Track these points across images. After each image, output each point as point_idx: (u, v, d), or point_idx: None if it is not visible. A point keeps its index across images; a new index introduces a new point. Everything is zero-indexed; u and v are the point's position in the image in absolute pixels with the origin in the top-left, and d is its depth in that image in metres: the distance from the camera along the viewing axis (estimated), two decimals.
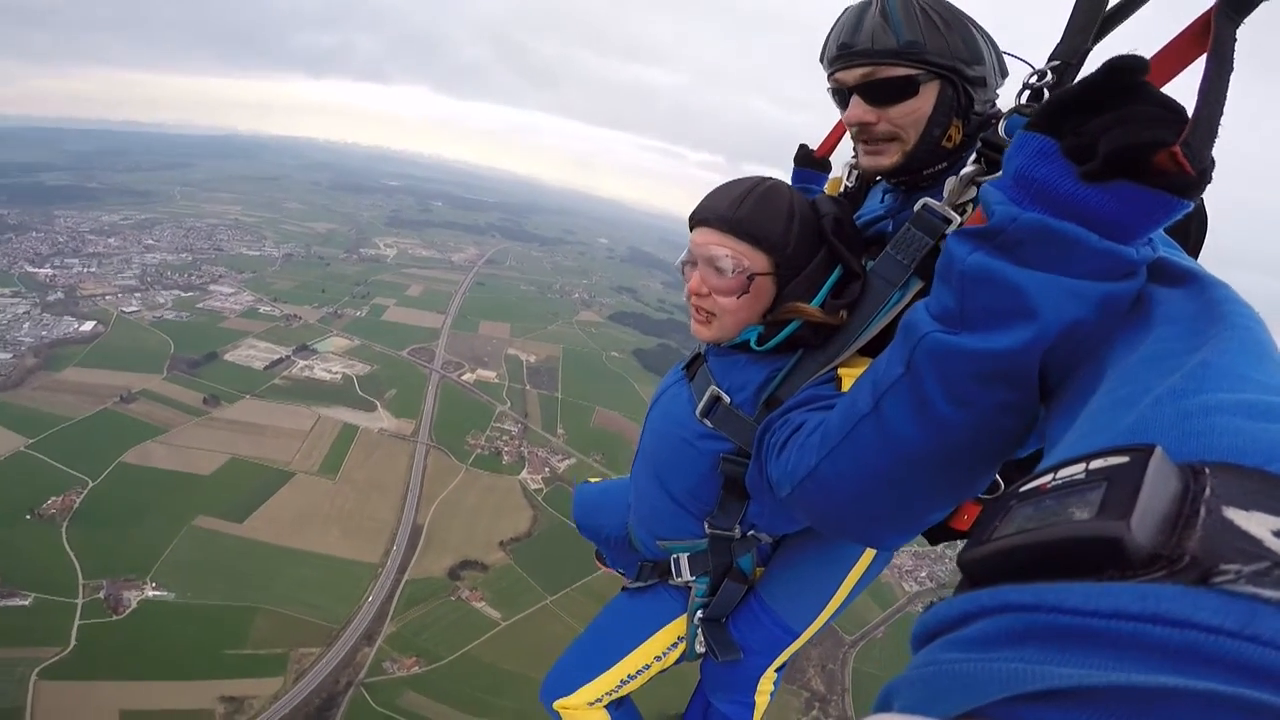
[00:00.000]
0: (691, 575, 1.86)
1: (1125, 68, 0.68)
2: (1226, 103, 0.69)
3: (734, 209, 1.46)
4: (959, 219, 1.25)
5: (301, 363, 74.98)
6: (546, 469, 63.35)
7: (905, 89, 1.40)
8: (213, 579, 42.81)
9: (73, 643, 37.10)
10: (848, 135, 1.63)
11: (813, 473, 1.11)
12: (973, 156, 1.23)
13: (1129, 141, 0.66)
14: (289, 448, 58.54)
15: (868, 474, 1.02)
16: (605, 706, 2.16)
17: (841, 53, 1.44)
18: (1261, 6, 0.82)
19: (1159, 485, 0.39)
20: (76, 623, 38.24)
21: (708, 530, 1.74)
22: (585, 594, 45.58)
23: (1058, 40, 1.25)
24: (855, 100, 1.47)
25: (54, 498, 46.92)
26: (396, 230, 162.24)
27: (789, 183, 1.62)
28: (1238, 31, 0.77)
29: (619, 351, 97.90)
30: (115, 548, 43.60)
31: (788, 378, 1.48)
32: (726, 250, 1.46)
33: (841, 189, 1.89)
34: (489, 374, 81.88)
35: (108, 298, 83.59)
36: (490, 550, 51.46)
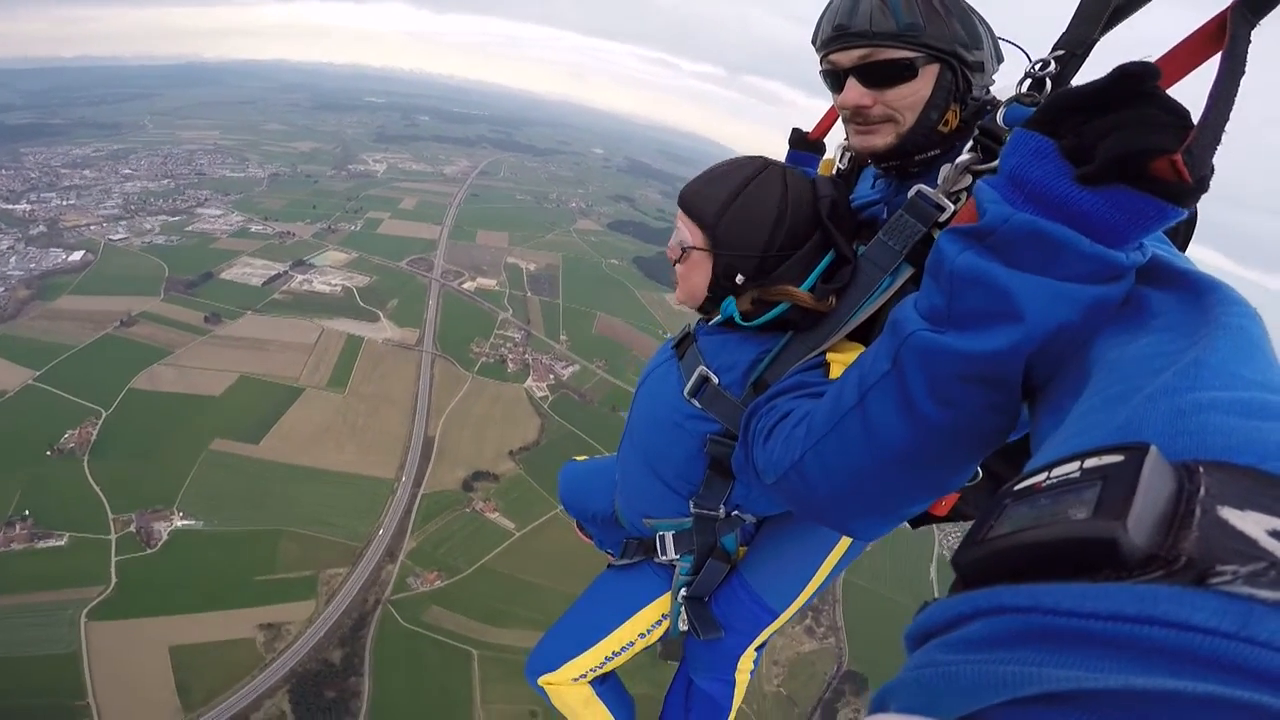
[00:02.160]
0: (676, 553, 1.86)
1: (1135, 74, 0.67)
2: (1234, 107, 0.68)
3: (716, 219, 1.46)
4: (953, 207, 1.25)
5: (300, 277, 73.69)
6: (551, 376, 63.16)
7: (904, 71, 1.36)
8: (236, 504, 43.22)
9: (114, 580, 37.73)
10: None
11: (797, 465, 1.11)
12: (969, 144, 1.24)
13: (1131, 147, 0.65)
14: (296, 362, 58.16)
15: (851, 468, 1.02)
16: (590, 682, 2.20)
17: (838, 34, 1.38)
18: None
19: (1154, 485, 0.39)
20: (114, 559, 38.74)
21: (693, 510, 1.74)
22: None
23: (1063, 29, 1.25)
24: (851, 82, 1.41)
25: (71, 430, 46.77)
26: (384, 146, 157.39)
27: (785, 165, 1.52)
28: (1252, 33, 0.76)
29: (618, 259, 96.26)
30: (138, 478, 43.80)
31: (776, 360, 1.47)
32: (705, 254, 1.51)
33: (834, 170, 1.83)
34: (489, 282, 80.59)
35: (92, 227, 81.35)
36: (501, 460, 51.86)
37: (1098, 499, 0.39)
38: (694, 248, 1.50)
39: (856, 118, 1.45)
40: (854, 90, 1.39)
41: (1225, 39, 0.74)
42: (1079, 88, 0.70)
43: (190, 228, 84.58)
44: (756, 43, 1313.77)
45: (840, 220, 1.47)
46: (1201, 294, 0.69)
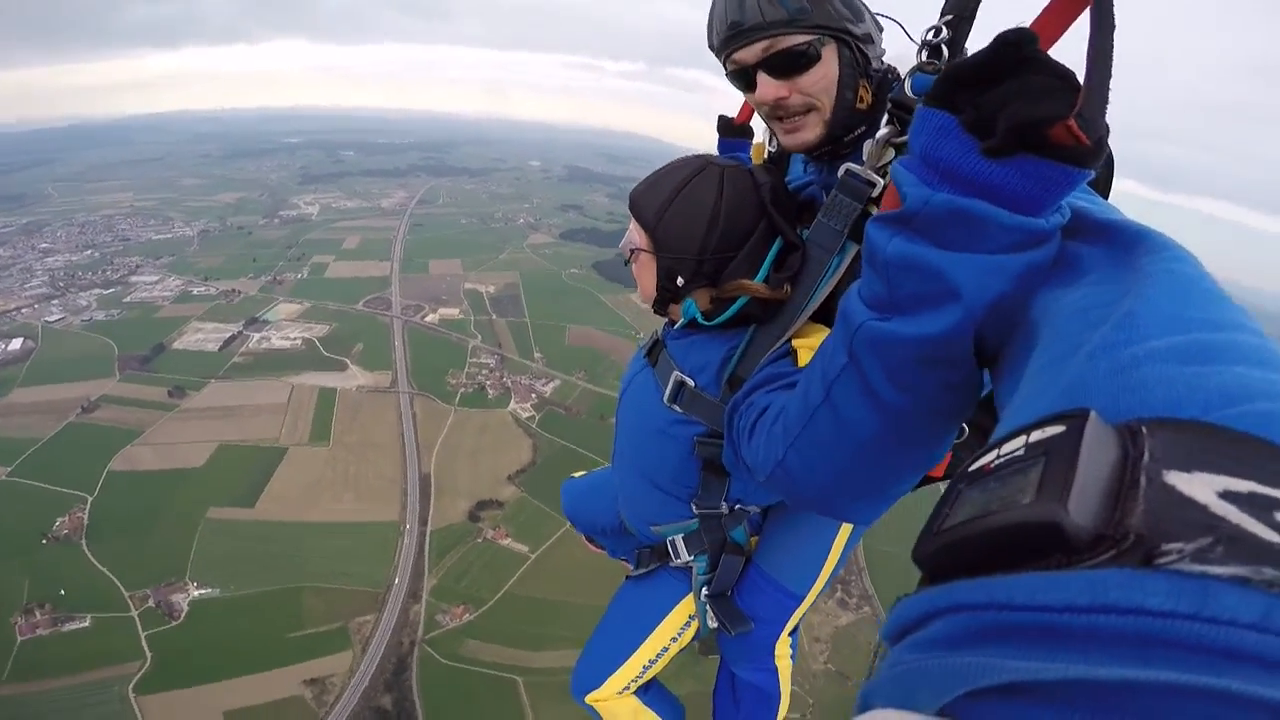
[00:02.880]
0: (689, 555, 1.89)
1: (1013, 41, 0.69)
2: (1114, 62, 0.68)
3: (656, 220, 1.52)
4: (882, 182, 1.27)
5: (256, 335, 71.97)
6: (534, 395, 63.72)
7: (808, 55, 1.38)
8: (247, 567, 42.74)
9: (148, 654, 37.37)
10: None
11: (781, 463, 1.14)
12: (885, 118, 1.26)
13: (1025, 117, 0.67)
14: (273, 423, 57.11)
15: (832, 460, 1.05)
16: (634, 693, 2.22)
17: (733, 32, 1.40)
18: None
19: (1095, 456, 0.38)
20: (143, 634, 38.41)
21: (696, 510, 1.78)
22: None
23: None
24: (763, 78, 1.43)
25: (61, 518, 45.47)
26: (313, 186, 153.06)
27: (725, 163, 1.57)
28: None
29: (577, 268, 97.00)
30: (143, 556, 42.99)
31: (745, 354, 1.52)
32: (649, 254, 1.57)
33: (765, 155, 1.87)
34: (452, 311, 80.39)
35: (24, 310, 77.14)
36: (501, 486, 52.26)
37: (1040, 478, 0.39)
38: (639, 249, 1.59)
39: (777, 113, 1.47)
40: (768, 85, 1.42)
41: None
42: (966, 60, 0.72)
43: (128, 299, 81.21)
44: (672, 34, 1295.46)
45: (781, 206, 1.51)
46: (1130, 244, 0.70)
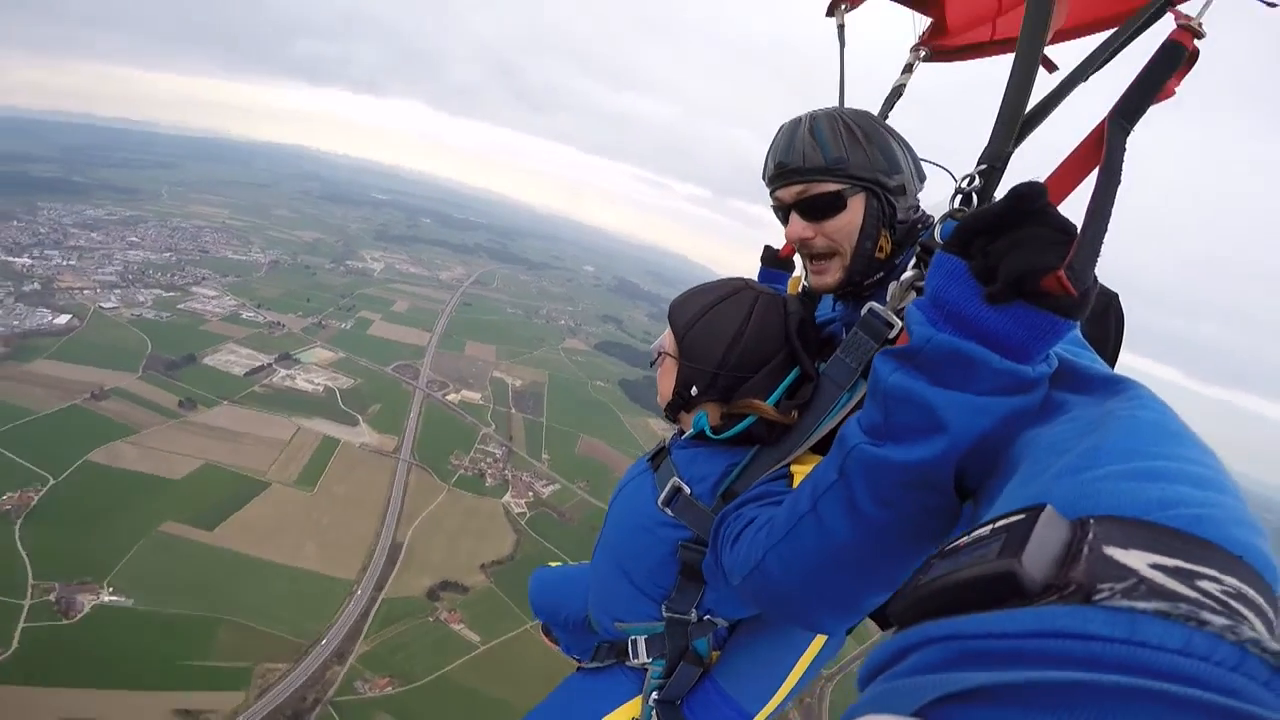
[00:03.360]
0: (648, 657, 1.89)
1: (1025, 195, 0.77)
2: (1112, 216, 0.80)
3: (685, 329, 1.65)
4: (900, 323, 1.31)
5: (283, 371, 73.72)
6: (530, 493, 62.64)
7: (835, 203, 1.52)
8: (177, 586, 41.13)
9: (14, 645, 35.41)
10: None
11: (759, 565, 1.21)
12: (912, 261, 1.32)
13: (1024, 267, 0.74)
14: (266, 456, 57.18)
15: (808, 566, 1.13)
16: None
17: (779, 171, 1.57)
18: None
19: (1048, 531, 0.47)
20: (21, 625, 36.53)
21: (665, 614, 1.80)
22: None
23: (984, 145, 1.34)
24: (794, 217, 1.59)
25: (9, 494, 45.10)
26: (384, 245, 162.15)
27: (762, 289, 1.72)
28: (1127, 140, 0.90)
29: (604, 381, 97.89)
30: (72, 549, 41.76)
31: (744, 472, 1.59)
32: (673, 360, 1.70)
33: (801, 287, 1.97)
34: (474, 395, 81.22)
35: (85, 292, 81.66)
36: (471, 572, 50.45)
37: (1001, 546, 0.48)
38: (665, 353, 1.70)
39: (804, 250, 1.61)
40: (796, 224, 1.57)
41: (1102, 151, 0.83)
42: (982, 210, 0.81)
43: (183, 305, 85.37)
44: (743, 163, 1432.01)
45: (806, 338, 1.61)
46: (1110, 391, 0.79)
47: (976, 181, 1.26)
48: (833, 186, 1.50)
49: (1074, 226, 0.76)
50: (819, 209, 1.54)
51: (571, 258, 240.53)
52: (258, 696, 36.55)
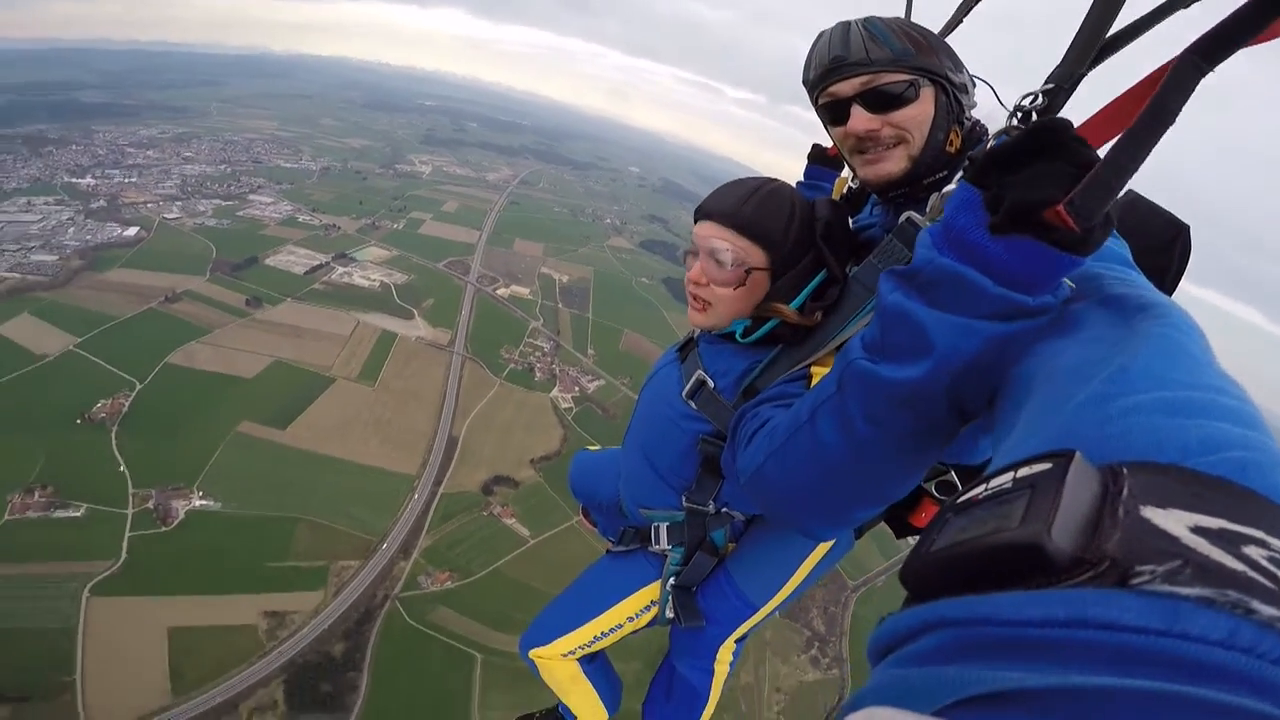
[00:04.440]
0: (668, 544, 1.97)
1: (1049, 128, 0.76)
2: (1149, 154, 0.71)
3: (739, 206, 1.55)
4: None
5: (340, 269, 75.23)
6: (577, 388, 63.24)
7: (907, 93, 1.42)
8: (256, 488, 43.34)
9: (124, 556, 37.44)
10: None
11: (759, 469, 1.23)
12: (958, 175, 1.31)
13: (1022, 199, 0.74)
14: (329, 352, 59.15)
15: (802, 474, 1.14)
16: (578, 660, 2.35)
17: (835, 64, 1.45)
18: None
19: (1079, 489, 0.41)
20: (127, 534, 38.57)
21: (685, 504, 1.86)
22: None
23: (1056, 63, 1.29)
24: (857, 110, 1.46)
25: (103, 401, 47.50)
26: (432, 149, 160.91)
27: (793, 185, 1.70)
28: (1198, 84, 0.77)
29: (648, 278, 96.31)
30: (163, 455, 44.14)
31: (766, 370, 1.57)
32: (728, 244, 1.55)
33: (846, 189, 1.94)
34: (523, 290, 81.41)
35: (149, 205, 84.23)
36: (521, 467, 51.79)
37: (1025, 507, 0.41)
38: (756, 269, 1.55)
39: (865, 144, 1.48)
40: (861, 117, 1.45)
41: (1158, 87, 0.78)
42: (1002, 143, 0.79)
43: (241, 213, 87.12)
44: (798, 73, 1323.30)
45: (835, 242, 1.55)
46: (1135, 310, 0.74)
47: (1040, 100, 1.24)
48: (904, 76, 1.41)
49: (1098, 159, 0.73)
50: (886, 100, 1.43)
51: (618, 159, 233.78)
52: (334, 595, 38.68)
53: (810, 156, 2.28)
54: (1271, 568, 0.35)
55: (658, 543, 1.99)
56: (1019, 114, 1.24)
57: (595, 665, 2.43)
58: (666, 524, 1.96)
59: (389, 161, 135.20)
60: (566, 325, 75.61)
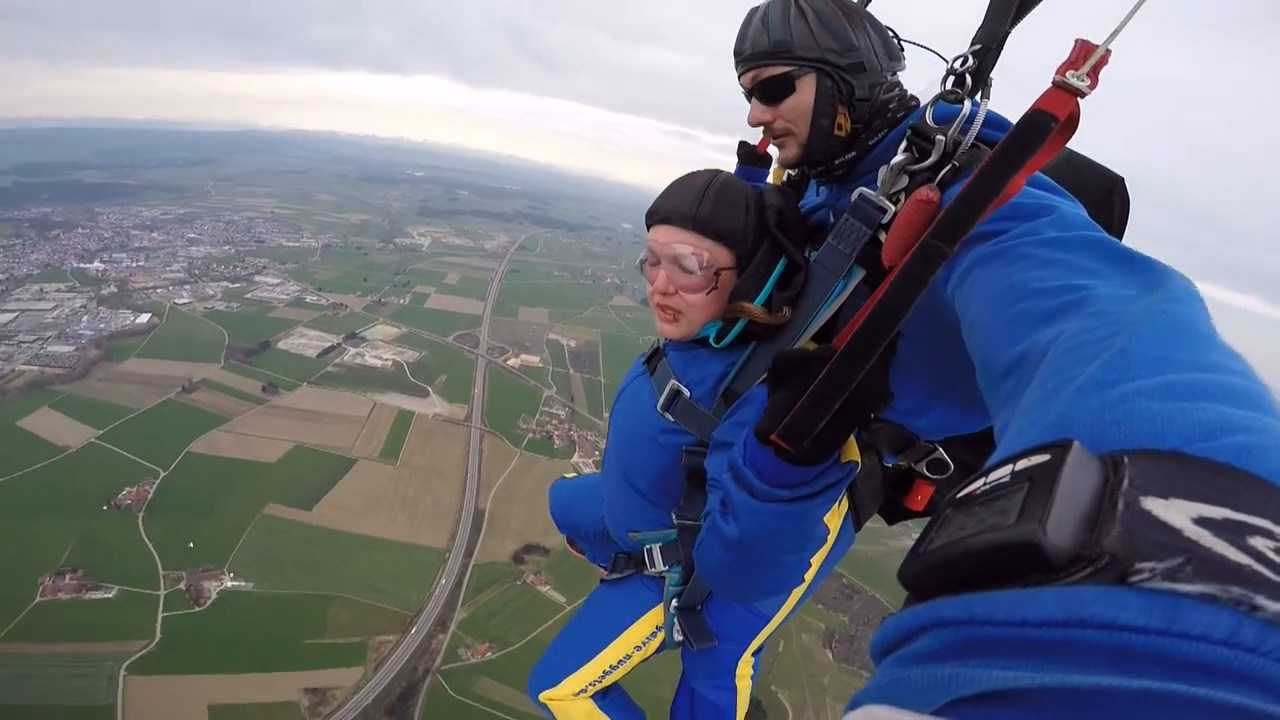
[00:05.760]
0: (665, 565, 1.89)
1: (779, 363, 1.02)
2: (863, 371, 0.87)
3: (695, 205, 1.49)
4: (893, 208, 1.30)
5: (352, 350, 76.06)
6: (597, 452, 63.43)
7: (784, 85, 1.46)
8: (288, 567, 43.67)
9: (158, 635, 37.89)
10: None
11: (699, 561, 1.47)
12: (903, 145, 1.29)
13: (756, 426, 1.02)
14: (349, 434, 59.53)
15: (717, 569, 1.37)
16: (590, 696, 2.19)
17: (736, 59, 1.52)
18: None
19: (1076, 482, 0.40)
20: (160, 615, 39.05)
21: (675, 521, 1.75)
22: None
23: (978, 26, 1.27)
24: (754, 102, 1.54)
25: (129, 488, 48.19)
26: (428, 220, 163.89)
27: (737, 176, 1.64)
28: (937, 269, 0.85)
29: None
30: (191, 538, 44.58)
31: (743, 370, 1.54)
32: (691, 248, 1.50)
33: (785, 178, 1.91)
34: (532, 358, 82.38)
35: (159, 290, 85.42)
36: (551, 534, 51.22)
37: (1022, 503, 0.40)
38: (724, 268, 1.53)
39: (768, 133, 1.59)
40: (755, 108, 1.55)
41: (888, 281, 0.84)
42: (777, 358, 1.04)
43: (249, 295, 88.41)
44: None
45: (789, 229, 1.54)
46: (1133, 276, 0.73)
47: (970, 62, 1.23)
48: (780, 69, 1.45)
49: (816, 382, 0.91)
50: (771, 92, 1.49)
51: (609, 216, 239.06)
52: (375, 670, 38.64)
53: (740, 157, 2.23)
54: (1277, 559, 0.33)
55: (653, 565, 1.91)
56: (951, 78, 1.26)
57: (610, 699, 2.27)
58: (660, 545, 1.88)
59: (388, 235, 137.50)
60: (580, 390, 76.36)
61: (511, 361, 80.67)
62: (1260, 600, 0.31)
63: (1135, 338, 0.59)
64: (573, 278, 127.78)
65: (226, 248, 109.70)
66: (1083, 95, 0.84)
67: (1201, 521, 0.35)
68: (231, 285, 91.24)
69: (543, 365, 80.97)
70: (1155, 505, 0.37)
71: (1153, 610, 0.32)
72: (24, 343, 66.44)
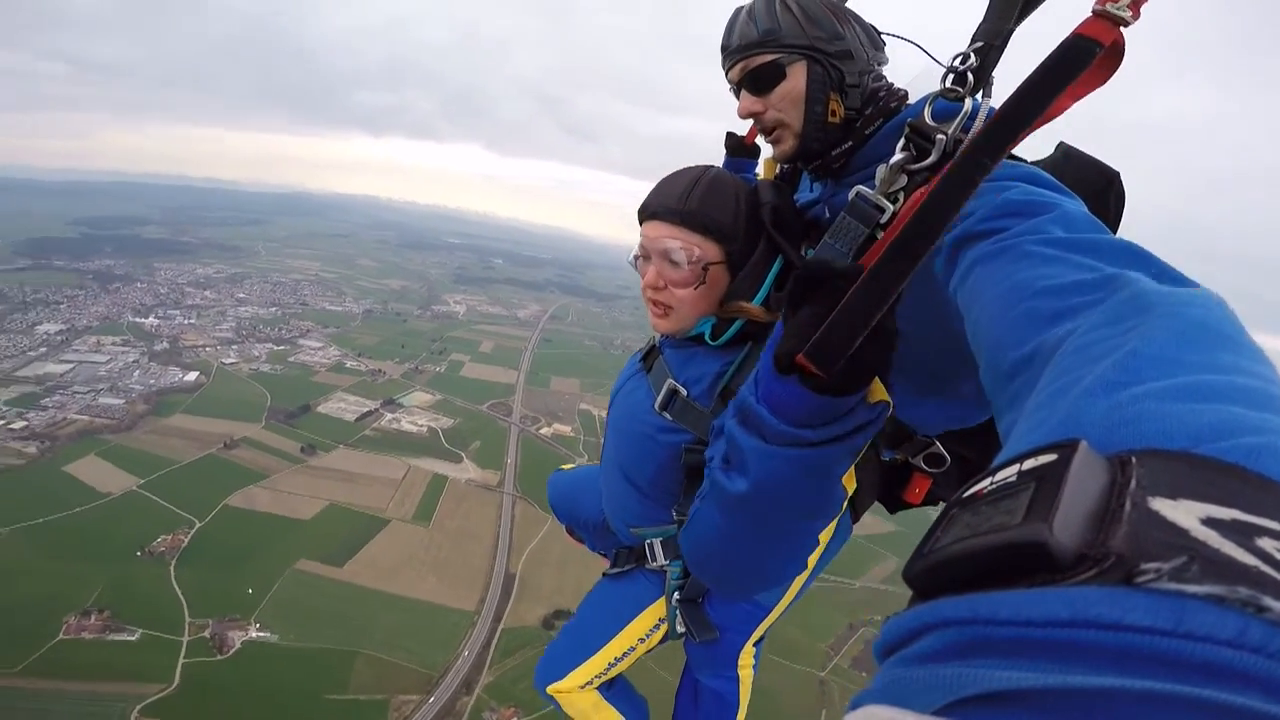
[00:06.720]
0: (665, 559, 1.88)
1: (798, 277, 0.87)
2: (897, 291, 0.77)
3: (683, 200, 1.50)
4: (891, 207, 1.23)
5: (389, 415, 77.37)
6: None
7: (774, 73, 1.47)
8: (314, 622, 43.48)
9: (176, 680, 37.78)
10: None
11: (687, 549, 1.36)
12: (901, 143, 1.25)
13: (775, 350, 0.85)
14: (383, 495, 59.97)
15: (707, 548, 1.29)
16: (596, 689, 2.23)
17: (723, 54, 1.55)
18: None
19: (1083, 482, 0.39)
20: (181, 661, 39.01)
21: (676, 517, 1.75)
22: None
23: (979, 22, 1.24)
24: (743, 94, 1.54)
25: (164, 536, 49.08)
26: (464, 287, 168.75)
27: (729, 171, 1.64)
28: (978, 183, 0.79)
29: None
30: (221, 588, 44.82)
31: (740, 369, 1.53)
32: (679, 242, 1.50)
33: (777, 170, 1.89)
34: (565, 428, 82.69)
35: (208, 349, 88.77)
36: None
37: (1029, 502, 0.39)
38: (713, 263, 1.51)
39: (759, 125, 1.57)
40: (745, 100, 1.53)
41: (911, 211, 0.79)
42: (793, 287, 0.89)
43: (293, 358, 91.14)
44: None
45: (785, 226, 1.52)
46: (1141, 283, 0.70)
47: (971, 60, 1.20)
48: (769, 56, 1.47)
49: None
50: (760, 81, 1.50)
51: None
52: None
53: (728, 149, 2.22)
54: None
55: (654, 559, 1.90)
56: (951, 75, 1.22)
57: (615, 690, 2.32)
58: (660, 539, 1.87)
59: (425, 302, 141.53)
60: None
61: (544, 431, 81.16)
62: (1268, 601, 0.31)
63: (1146, 339, 0.58)
64: (603, 347, 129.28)
65: (273, 309, 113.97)
66: (1126, 24, 0.82)
67: (1209, 522, 0.35)
68: (276, 348, 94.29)
69: (574, 434, 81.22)
70: (1163, 505, 0.36)
71: (1158, 611, 0.31)
72: (79, 393, 69.14)
